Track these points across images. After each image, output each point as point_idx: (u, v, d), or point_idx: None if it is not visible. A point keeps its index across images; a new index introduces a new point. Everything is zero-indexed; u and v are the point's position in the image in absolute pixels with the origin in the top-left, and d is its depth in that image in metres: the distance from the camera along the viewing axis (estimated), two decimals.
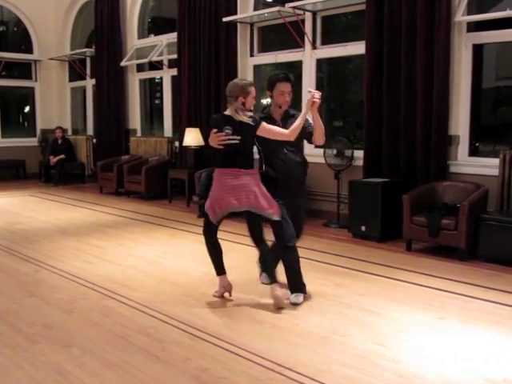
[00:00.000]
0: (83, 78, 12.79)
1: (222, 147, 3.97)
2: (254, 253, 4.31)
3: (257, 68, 8.75)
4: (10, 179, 12.19)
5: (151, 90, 11.77)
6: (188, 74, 9.21)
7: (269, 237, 4.14)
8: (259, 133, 4.01)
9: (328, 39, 7.75)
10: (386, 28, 6.50)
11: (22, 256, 5.69)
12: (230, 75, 8.07)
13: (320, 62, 7.91)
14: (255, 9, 8.53)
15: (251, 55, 8.72)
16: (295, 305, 4.08)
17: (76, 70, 12.81)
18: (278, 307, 4.02)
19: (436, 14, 6.04)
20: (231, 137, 3.96)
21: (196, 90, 9.14)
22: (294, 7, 7.40)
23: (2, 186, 11.25)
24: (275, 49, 8.41)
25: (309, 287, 4.28)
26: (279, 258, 4.22)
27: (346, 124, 8.69)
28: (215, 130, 3.99)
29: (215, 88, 8.70)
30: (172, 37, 9.85)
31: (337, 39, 7.74)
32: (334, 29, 8.13)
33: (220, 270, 4.26)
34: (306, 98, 4.08)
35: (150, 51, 10.43)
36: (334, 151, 7.03)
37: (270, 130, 4.01)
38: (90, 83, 12.51)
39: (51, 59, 12.87)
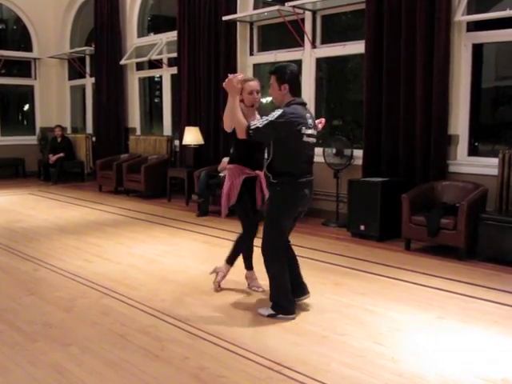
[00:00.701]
0: (83, 76, 12.79)
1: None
2: (254, 253, 4.35)
3: (256, 67, 8.75)
4: (9, 177, 12.19)
5: (151, 88, 11.76)
6: (188, 72, 9.21)
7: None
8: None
9: (328, 38, 7.75)
10: (385, 27, 6.50)
11: (21, 254, 5.69)
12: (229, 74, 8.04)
13: (320, 61, 7.91)
14: (255, 8, 8.52)
15: (251, 54, 8.72)
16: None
17: (75, 69, 12.80)
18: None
19: (436, 13, 6.04)
20: None
21: (196, 89, 9.14)
22: (294, 6, 7.40)
23: (1, 184, 11.25)
24: (275, 48, 8.40)
25: (308, 287, 4.26)
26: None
27: (346, 123, 8.68)
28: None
29: (215, 87, 8.68)
30: (172, 35, 9.85)
31: (336, 38, 7.74)
32: (334, 28, 8.13)
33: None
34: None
35: (149, 50, 10.42)
36: (334, 150, 7.03)
37: None
38: (89, 81, 12.51)
39: (51, 57, 12.85)
